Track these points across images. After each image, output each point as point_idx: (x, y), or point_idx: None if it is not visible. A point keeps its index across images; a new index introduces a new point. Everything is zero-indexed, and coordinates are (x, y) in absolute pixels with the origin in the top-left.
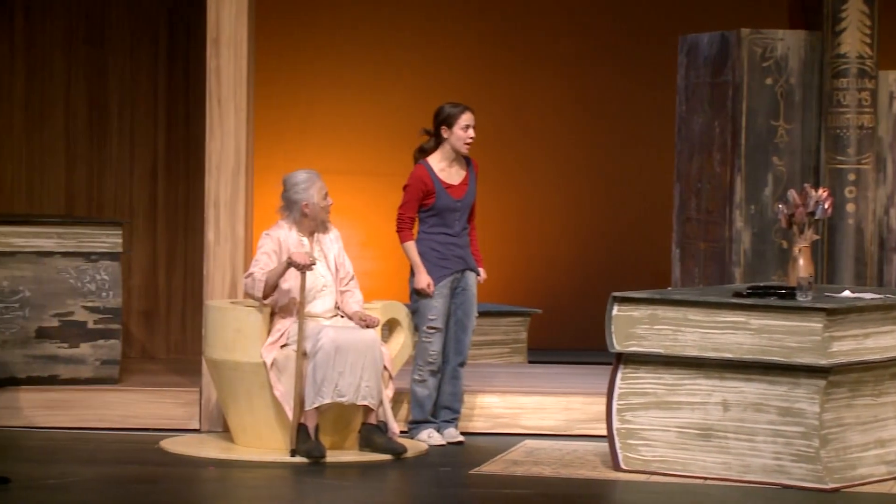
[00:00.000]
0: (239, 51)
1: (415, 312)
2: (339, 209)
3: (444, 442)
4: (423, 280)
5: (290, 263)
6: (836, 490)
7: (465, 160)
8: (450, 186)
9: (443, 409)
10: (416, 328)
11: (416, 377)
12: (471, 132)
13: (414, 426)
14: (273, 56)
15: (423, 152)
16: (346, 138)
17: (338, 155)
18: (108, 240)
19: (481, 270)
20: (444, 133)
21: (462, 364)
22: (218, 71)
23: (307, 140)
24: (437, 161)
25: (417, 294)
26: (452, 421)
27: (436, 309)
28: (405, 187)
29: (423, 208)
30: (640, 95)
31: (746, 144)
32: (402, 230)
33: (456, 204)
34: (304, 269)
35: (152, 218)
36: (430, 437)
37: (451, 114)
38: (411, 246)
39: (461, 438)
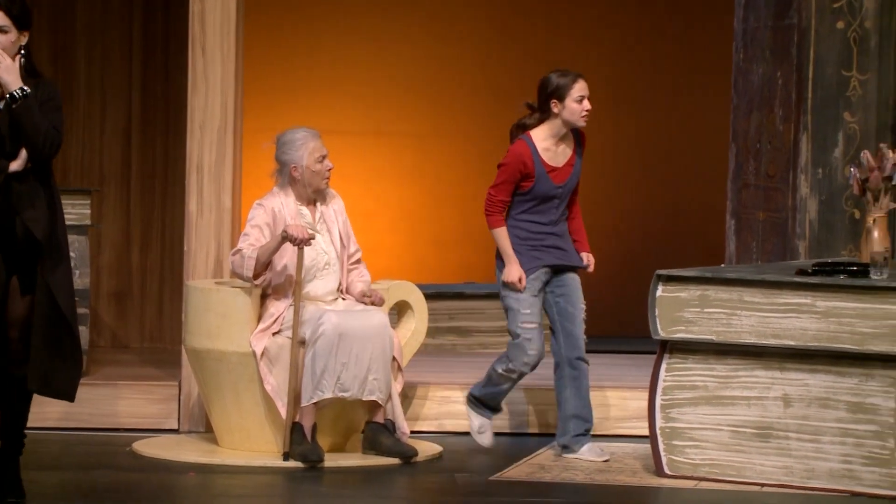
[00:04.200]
0: None
1: (506, 311)
2: (342, 174)
3: (488, 444)
4: (515, 272)
5: (286, 237)
6: None
7: (574, 134)
8: (553, 170)
9: (572, 419)
10: (509, 332)
11: (510, 366)
12: (586, 104)
13: (477, 406)
14: None
15: (522, 128)
16: (349, 94)
17: (340, 114)
18: (74, 211)
19: (586, 255)
20: (555, 107)
21: (580, 359)
22: (202, 15)
23: (304, 97)
24: (541, 138)
25: (507, 288)
26: (586, 434)
27: (529, 306)
28: (500, 165)
29: (517, 192)
30: (690, 41)
31: (813, 98)
32: (492, 214)
33: (557, 190)
34: (301, 243)
35: (125, 185)
36: (480, 430)
37: (562, 84)
38: (502, 233)
39: (607, 457)
